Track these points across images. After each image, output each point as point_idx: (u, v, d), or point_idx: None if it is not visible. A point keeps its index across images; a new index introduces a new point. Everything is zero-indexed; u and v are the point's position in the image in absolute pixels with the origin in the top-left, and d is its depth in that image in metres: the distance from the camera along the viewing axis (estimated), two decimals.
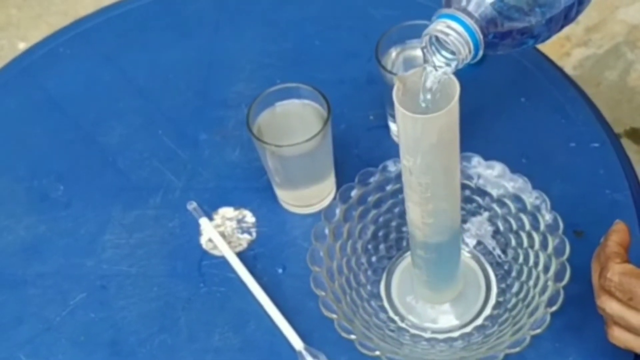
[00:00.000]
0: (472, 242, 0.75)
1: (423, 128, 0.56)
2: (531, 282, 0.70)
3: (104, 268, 0.79)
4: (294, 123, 0.77)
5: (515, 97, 0.85)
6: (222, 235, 0.79)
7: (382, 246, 0.75)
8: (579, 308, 0.68)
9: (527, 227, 0.72)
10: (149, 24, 0.96)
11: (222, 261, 0.78)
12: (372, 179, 0.74)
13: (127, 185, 0.84)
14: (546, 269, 0.69)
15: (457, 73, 0.56)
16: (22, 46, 1.65)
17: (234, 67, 0.91)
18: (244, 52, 0.92)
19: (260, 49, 0.92)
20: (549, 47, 1.58)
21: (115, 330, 0.75)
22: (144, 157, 0.86)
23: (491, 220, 0.74)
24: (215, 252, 0.79)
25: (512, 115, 0.84)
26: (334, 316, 0.67)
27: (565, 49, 1.60)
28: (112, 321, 0.76)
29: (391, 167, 0.74)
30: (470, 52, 0.52)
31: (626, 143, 1.48)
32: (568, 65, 1.57)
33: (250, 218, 0.81)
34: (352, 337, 0.66)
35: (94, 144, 0.87)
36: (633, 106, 1.54)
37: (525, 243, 0.72)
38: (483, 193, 0.73)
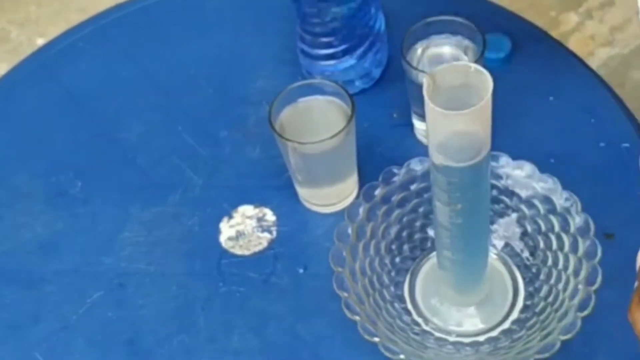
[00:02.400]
0: (499, 243, 0.74)
1: (454, 124, 0.55)
2: (560, 286, 0.68)
3: (122, 266, 0.78)
4: (317, 120, 0.76)
5: (543, 95, 0.84)
6: (242, 233, 0.78)
7: (406, 246, 0.74)
8: (609, 313, 0.66)
9: (557, 229, 0.70)
10: (168, 19, 0.95)
11: (242, 260, 0.77)
12: (396, 178, 0.72)
13: (146, 182, 0.83)
14: (576, 272, 0.67)
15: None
16: (41, 42, 1.65)
17: (254, 63, 0.89)
18: (265, 48, 0.91)
19: (282, 44, 0.90)
20: (573, 46, 1.56)
21: (133, 330, 0.74)
22: (163, 154, 0.84)
23: (519, 221, 0.72)
24: (235, 251, 0.77)
25: (540, 114, 0.82)
26: (357, 318, 0.66)
27: (590, 49, 1.58)
28: (130, 320, 0.75)
29: (416, 165, 0.72)
30: None
31: None
32: (592, 65, 1.55)
33: (270, 216, 0.79)
34: (376, 339, 0.65)
35: (113, 141, 0.86)
36: None
37: (555, 245, 0.70)
38: (511, 193, 0.72)
